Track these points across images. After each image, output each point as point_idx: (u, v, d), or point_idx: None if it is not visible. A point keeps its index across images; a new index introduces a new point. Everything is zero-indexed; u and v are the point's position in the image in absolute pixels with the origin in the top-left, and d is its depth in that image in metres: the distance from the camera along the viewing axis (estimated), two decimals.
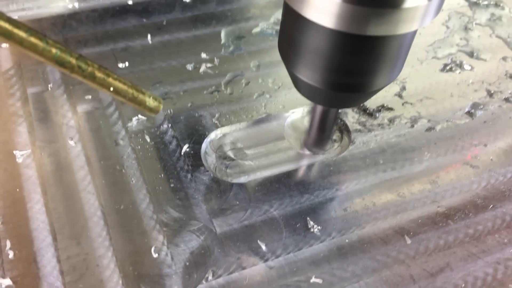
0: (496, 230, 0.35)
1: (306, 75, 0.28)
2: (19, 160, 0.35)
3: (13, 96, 0.39)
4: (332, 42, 0.25)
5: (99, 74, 0.24)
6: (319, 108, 0.33)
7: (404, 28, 0.24)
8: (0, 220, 0.32)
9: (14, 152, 0.36)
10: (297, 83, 0.30)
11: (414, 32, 0.27)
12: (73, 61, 0.23)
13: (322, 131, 0.35)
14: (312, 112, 0.34)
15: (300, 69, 0.28)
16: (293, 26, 0.27)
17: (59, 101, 0.39)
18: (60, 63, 0.22)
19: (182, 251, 0.32)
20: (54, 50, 0.22)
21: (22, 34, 0.21)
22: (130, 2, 0.48)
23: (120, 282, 0.30)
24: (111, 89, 0.25)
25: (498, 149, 0.39)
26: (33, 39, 0.21)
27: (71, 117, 0.38)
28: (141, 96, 0.26)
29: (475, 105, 0.42)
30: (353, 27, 0.23)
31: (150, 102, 0.27)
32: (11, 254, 0.31)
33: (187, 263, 0.31)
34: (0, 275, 0.30)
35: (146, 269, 0.31)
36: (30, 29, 0.21)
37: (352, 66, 0.26)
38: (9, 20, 0.21)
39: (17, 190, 0.34)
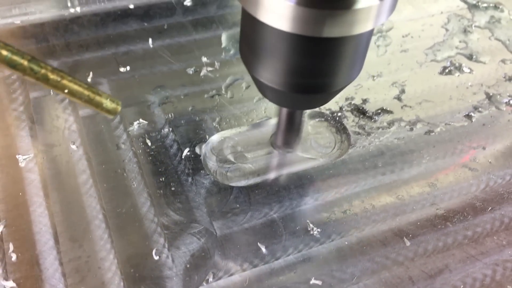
0: (495, 232, 0.35)
1: (268, 79, 0.28)
2: (22, 164, 0.36)
3: (16, 101, 0.40)
4: (290, 45, 0.25)
5: (52, 76, 0.24)
6: (285, 110, 0.33)
7: (359, 29, 0.24)
8: (3, 223, 0.33)
9: (17, 156, 0.36)
10: (260, 87, 0.30)
11: (371, 31, 0.27)
12: (25, 63, 0.23)
13: (290, 132, 0.36)
14: (278, 114, 0.35)
15: (261, 73, 0.28)
16: (251, 30, 0.27)
17: (61, 106, 0.40)
18: (12, 65, 0.23)
19: (183, 254, 0.32)
20: (4, 53, 0.22)
21: None
22: (131, 6, 0.49)
23: (122, 284, 0.31)
24: (66, 91, 0.25)
25: (497, 151, 0.40)
26: None
27: (73, 121, 0.39)
28: (97, 98, 0.26)
29: (474, 108, 0.43)
30: (308, 29, 0.24)
31: (108, 104, 0.26)
32: (14, 257, 0.31)
33: (188, 265, 0.32)
34: (3, 277, 0.30)
35: (147, 271, 0.31)
36: None
37: (311, 67, 0.27)
38: None
39: (20, 193, 0.34)
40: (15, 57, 0.23)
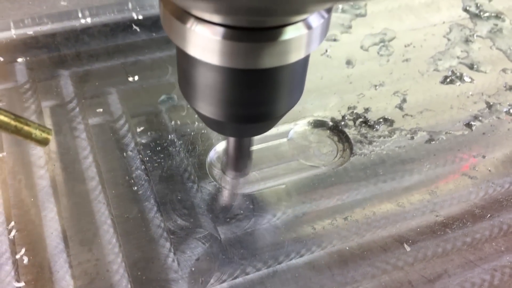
0: (493, 238, 0.36)
1: (208, 111, 0.28)
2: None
3: (29, 109, 0.41)
4: (224, 78, 0.25)
5: None
6: (231, 139, 0.33)
7: (289, 58, 0.24)
8: (15, 227, 0.34)
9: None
10: (202, 118, 0.29)
11: (306, 58, 0.27)
12: None
13: (240, 159, 0.35)
14: (226, 142, 0.34)
15: (200, 106, 0.28)
16: (185, 64, 0.26)
17: (72, 114, 0.41)
18: None
19: (188, 258, 0.33)
20: None
21: None
22: (140, 17, 0.50)
23: (129, 286, 0.32)
24: None
25: (496, 160, 0.40)
26: None
27: (83, 130, 0.40)
28: (26, 128, 0.25)
29: (474, 117, 0.43)
30: (238, 62, 0.23)
31: (37, 134, 0.26)
32: (25, 260, 0.32)
33: (193, 269, 0.33)
34: (15, 279, 0.32)
35: (153, 275, 0.32)
36: None
37: (248, 98, 0.26)
38: None
39: (32, 199, 0.35)
40: None
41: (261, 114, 0.28)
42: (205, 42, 0.23)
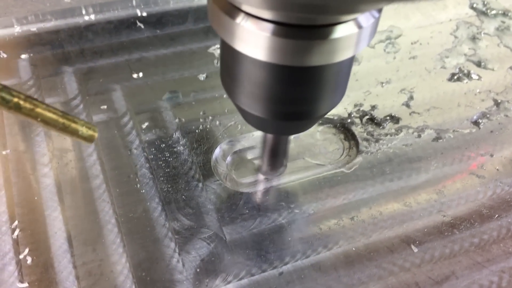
0: (501, 239, 0.35)
1: (250, 107, 0.28)
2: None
3: None
4: (270, 74, 0.25)
5: (25, 105, 0.23)
6: (269, 135, 0.33)
7: (338, 57, 0.24)
8: (19, 227, 0.34)
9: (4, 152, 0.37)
10: (244, 114, 0.30)
11: (352, 57, 0.26)
12: None
13: (275, 157, 0.36)
14: (263, 139, 0.34)
15: (243, 101, 0.28)
16: (230, 60, 0.26)
17: (76, 111, 0.41)
18: None
19: (193, 258, 0.33)
20: None
21: None
22: (144, 14, 0.50)
23: (133, 287, 0.31)
24: (39, 119, 0.24)
25: (504, 159, 0.40)
26: None
27: None
28: (73, 126, 0.25)
29: (482, 115, 0.43)
30: (286, 59, 0.23)
31: (84, 131, 0.26)
32: (29, 260, 0.32)
33: (198, 270, 0.33)
34: (18, 279, 0.31)
35: (158, 275, 0.32)
36: None
37: (292, 96, 0.26)
38: None
39: (35, 198, 0.35)
40: None
41: (304, 112, 0.28)
42: (253, 38, 0.23)
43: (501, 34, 0.51)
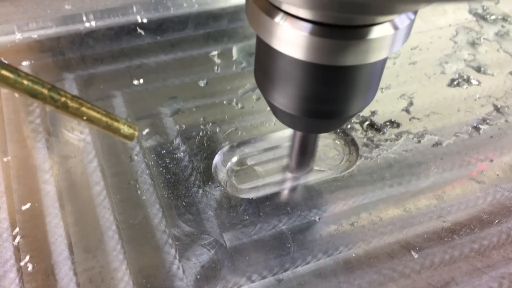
0: (501, 245, 0.35)
1: (282, 104, 0.28)
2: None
3: (33, 113, 0.41)
4: (304, 72, 0.26)
5: (72, 104, 0.24)
6: (299, 133, 0.34)
7: (373, 57, 0.24)
8: (20, 234, 0.34)
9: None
10: (275, 111, 0.30)
11: (385, 59, 0.27)
12: (45, 92, 0.23)
13: (303, 155, 0.36)
14: (292, 137, 0.35)
15: (276, 98, 0.28)
16: (266, 57, 0.27)
17: None
18: (33, 95, 0.23)
19: (193, 265, 0.33)
20: (25, 82, 0.22)
21: None
22: (144, 20, 0.50)
23: None
24: (85, 118, 0.25)
25: (504, 164, 0.40)
26: (4, 72, 0.22)
27: (88, 134, 0.40)
28: (115, 124, 0.26)
29: (481, 120, 0.43)
30: (322, 58, 0.24)
31: (125, 129, 0.27)
32: (30, 267, 0.32)
33: (198, 276, 0.33)
34: (19, 287, 0.31)
35: (158, 282, 0.32)
36: (1, 62, 0.22)
37: (326, 94, 0.27)
38: None
39: (36, 205, 0.35)
40: (36, 87, 0.23)
41: (335, 111, 0.28)
42: (291, 37, 0.24)
43: (500, 39, 0.51)
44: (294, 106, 0.28)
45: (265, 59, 0.27)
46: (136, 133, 0.27)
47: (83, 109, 0.25)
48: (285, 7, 0.23)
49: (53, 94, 0.23)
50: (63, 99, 0.24)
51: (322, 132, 0.34)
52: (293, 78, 0.26)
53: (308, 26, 0.23)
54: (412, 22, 0.25)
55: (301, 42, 0.24)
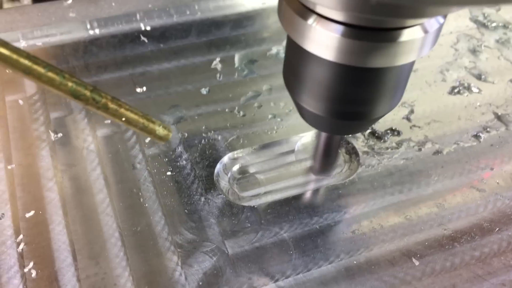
0: (502, 252, 0.36)
1: (310, 104, 0.29)
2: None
3: (37, 121, 0.41)
4: (334, 74, 0.26)
5: (111, 105, 0.25)
6: (324, 134, 0.34)
7: (402, 60, 0.25)
8: (24, 241, 0.34)
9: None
10: (302, 112, 0.31)
11: (413, 62, 0.28)
12: (88, 93, 0.24)
13: (327, 156, 0.37)
14: (317, 138, 0.36)
15: (304, 99, 0.29)
16: (296, 58, 0.28)
17: (80, 126, 0.41)
18: (76, 96, 0.24)
19: (195, 271, 0.33)
20: (70, 84, 0.23)
21: (40, 69, 0.22)
22: (148, 28, 0.51)
23: None
24: (123, 119, 0.26)
25: (505, 172, 0.40)
26: (50, 74, 0.23)
27: (91, 141, 0.40)
28: (151, 125, 0.27)
29: (482, 128, 0.43)
30: (353, 60, 0.25)
31: (160, 131, 0.27)
32: (33, 273, 0.33)
33: (200, 283, 0.33)
34: None
35: None
36: (48, 64, 0.23)
37: (353, 96, 0.28)
38: (29, 57, 0.22)
39: (40, 212, 0.36)
40: (79, 88, 0.24)
41: (363, 112, 0.29)
42: (323, 38, 0.24)
43: (501, 47, 0.51)
44: (321, 107, 0.29)
45: (295, 60, 0.28)
46: (170, 134, 0.28)
47: (122, 110, 0.26)
48: (318, 9, 0.24)
49: (95, 96, 0.24)
50: (103, 100, 0.25)
51: (347, 134, 0.35)
52: (323, 79, 0.27)
53: (340, 28, 0.24)
54: (441, 26, 0.25)
55: (332, 43, 0.24)
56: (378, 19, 0.23)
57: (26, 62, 0.22)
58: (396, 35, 0.24)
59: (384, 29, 0.24)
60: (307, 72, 0.28)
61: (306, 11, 0.25)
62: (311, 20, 0.24)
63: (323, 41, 0.24)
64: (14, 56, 0.22)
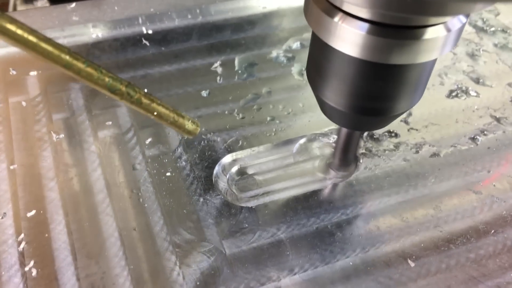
0: (497, 254, 0.36)
1: (333, 100, 0.30)
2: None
3: (39, 122, 0.42)
4: (357, 69, 0.27)
5: (145, 100, 0.26)
6: (344, 130, 0.35)
7: (424, 57, 0.26)
8: (24, 240, 0.35)
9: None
10: (324, 107, 0.32)
11: (434, 60, 0.28)
12: (123, 88, 0.25)
13: (347, 152, 0.37)
14: (337, 134, 0.36)
15: (326, 94, 0.30)
16: (320, 54, 0.29)
17: (82, 127, 0.42)
18: (112, 91, 0.25)
19: (193, 271, 0.34)
20: (107, 79, 0.24)
21: (80, 65, 0.23)
22: (150, 32, 0.51)
23: None
24: (155, 113, 0.27)
25: (501, 175, 0.40)
26: (89, 69, 0.24)
27: (92, 143, 0.41)
28: (181, 120, 0.28)
29: (479, 131, 0.44)
30: (376, 56, 0.25)
31: (189, 125, 0.29)
32: (34, 272, 0.33)
33: (198, 283, 0.33)
34: None
35: None
36: (87, 60, 0.24)
37: (375, 91, 0.28)
38: (70, 52, 0.23)
39: (41, 211, 0.36)
40: (115, 83, 0.24)
41: (384, 108, 0.29)
42: (349, 35, 0.25)
43: (499, 51, 0.52)
44: (344, 103, 0.29)
45: (320, 56, 0.29)
46: (199, 129, 0.29)
47: (154, 105, 0.26)
48: (345, 7, 0.25)
49: (129, 90, 0.25)
50: (137, 95, 0.25)
51: (368, 130, 0.36)
52: (346, 76, 0.28)
53: (365, 25, 0.24)
54: (463, 25, 0.26)
55: (358, 40, 0.25)
56: (404, 17, 0.24)
57: (67, 57, 0.23)
58: (419, 33, 0.24)
59: (408, 27, 0.24)
60: (331, 68, 0.28)
61: (333, 9, 0.25)
62: (337, 18, 0.25)
63: (348, 38, 0.25)
64: (56, 52, 0.23)
